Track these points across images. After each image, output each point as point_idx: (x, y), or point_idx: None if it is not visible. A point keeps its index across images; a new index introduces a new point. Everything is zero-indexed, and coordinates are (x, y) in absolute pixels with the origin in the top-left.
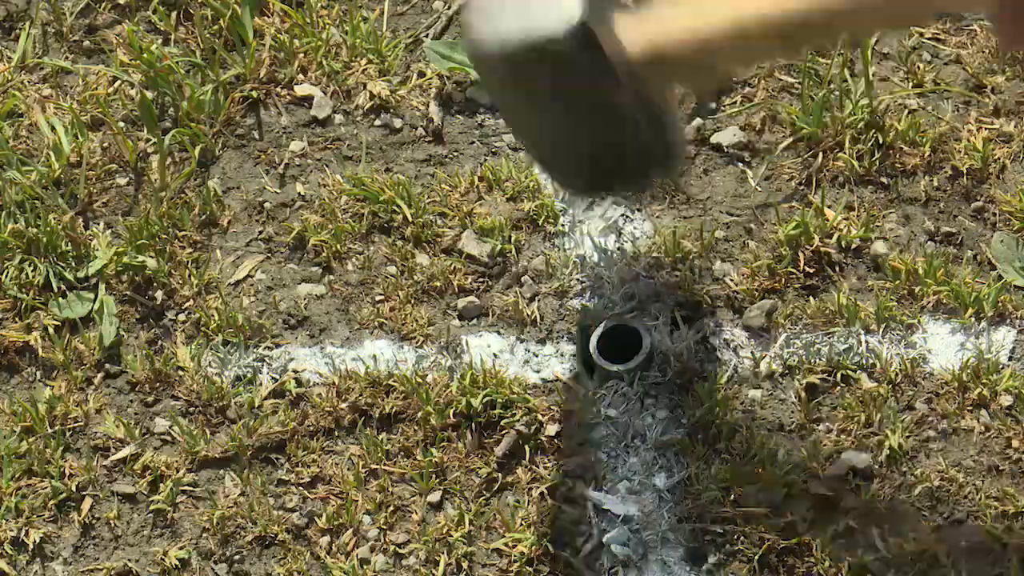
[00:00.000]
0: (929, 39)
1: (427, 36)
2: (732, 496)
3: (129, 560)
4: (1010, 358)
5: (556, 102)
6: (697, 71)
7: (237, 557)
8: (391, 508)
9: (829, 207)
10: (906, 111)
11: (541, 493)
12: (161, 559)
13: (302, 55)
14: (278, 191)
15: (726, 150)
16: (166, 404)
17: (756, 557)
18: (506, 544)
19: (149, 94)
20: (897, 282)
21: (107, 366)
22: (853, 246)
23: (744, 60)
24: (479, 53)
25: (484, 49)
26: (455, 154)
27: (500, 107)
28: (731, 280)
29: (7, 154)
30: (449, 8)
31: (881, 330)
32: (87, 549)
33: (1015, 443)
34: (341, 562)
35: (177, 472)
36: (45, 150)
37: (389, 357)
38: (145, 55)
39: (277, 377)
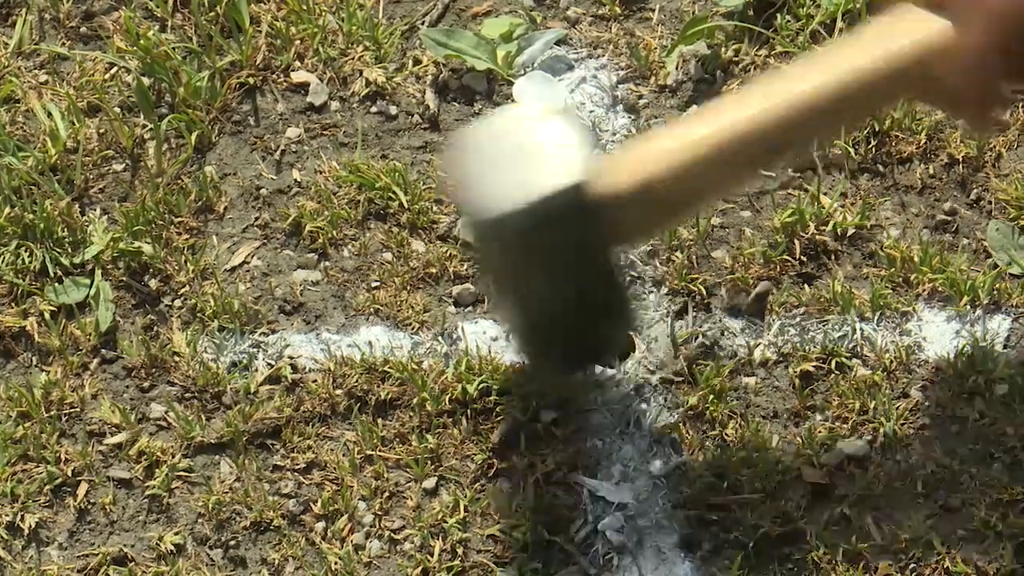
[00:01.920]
0: None
1: (423, 23)
2: (727, 483)
3: (125, 545)
4: (1005, 346)
5: (556, 259)
6: (678, 201)
7: (232, 542)
8: (386, 494)
9: (825, 194)
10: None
11: (536, 480)
12: (156, 544)
13: (298, 42)
14: (274, 177)
15: None
16: (162, 390)
17: (751, 544)
18: (501, 530)
19: (146, 80)
20: (892, 270)
21: (103, 352)
22: (849, 233)
23: (724, 181)
24: (484, 223)
25: (486, 217)
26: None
27: (493, 278)
28: (726, 267)
29: (4, 140)
30: None
31: (876, 318)
32: (83, 534)
33: (1009, 431)
34: (336, 548)
35: (173, 458)
36: (42, 136)
37: (385, 344)
38: (142, 41)
39: (273, 363)
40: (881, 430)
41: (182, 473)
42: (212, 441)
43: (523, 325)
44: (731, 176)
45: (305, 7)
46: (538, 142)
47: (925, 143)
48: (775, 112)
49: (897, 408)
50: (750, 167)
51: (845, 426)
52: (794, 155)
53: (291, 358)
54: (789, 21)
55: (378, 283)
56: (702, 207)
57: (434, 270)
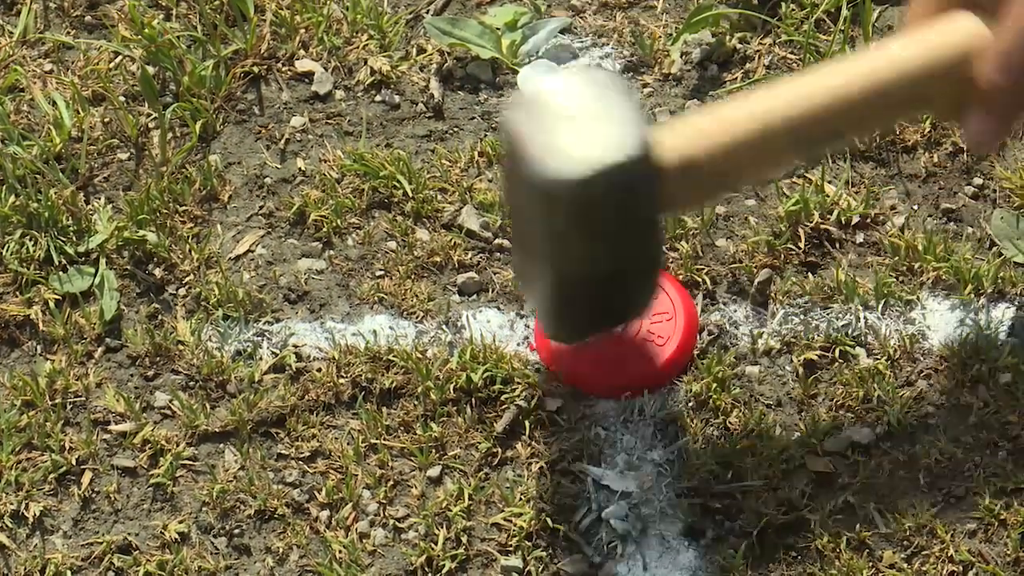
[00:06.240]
0: None
1: (428, 12)
2: (730, 472)
3: (129, 534)
4: (1009, 334)
5: (607, 227)
6: (722, 178)
7: (236, 531)
8: (391, 483)
9: (829, 183)
10: None
11: (540, 468)
12: (161, 533)
13: (303, 31)
14: (279, 166)
15: None
16: (166, 378)
17: (754, 532)
18: (505, 519)
19: (150, 69)
20: (896, 258)
21: (107, 340)
22: (853, 222)
23: (766, 165)
24: (539, 183)
25: (543, 177)
26: (455, 130)
27: (523, 234)
28: (730, 256)
29: (8, 129)
30: None
31: (880, 306)
32: (87, 523)
33: (1013, 419)
34: (340, 536)
35: (177, 446)
36: (46, 125)
37: (389, 332)
38: (146, 30)
39: (277, 352)
40: (885, 418)
41: (186, 462)
42: (216, 430)
43: (550, 284)
44: (772, 161)
45: None
46: (602, 107)
47: (930, 132)
48: (819, 101)
49: (901, 396)
50: (788, 154)
51: (849, 415)
52: (832, 147)
53: (295, 347)
54: (793, 9)
55: (382, 272)
56: (747, 184)
57: (438, 259)
